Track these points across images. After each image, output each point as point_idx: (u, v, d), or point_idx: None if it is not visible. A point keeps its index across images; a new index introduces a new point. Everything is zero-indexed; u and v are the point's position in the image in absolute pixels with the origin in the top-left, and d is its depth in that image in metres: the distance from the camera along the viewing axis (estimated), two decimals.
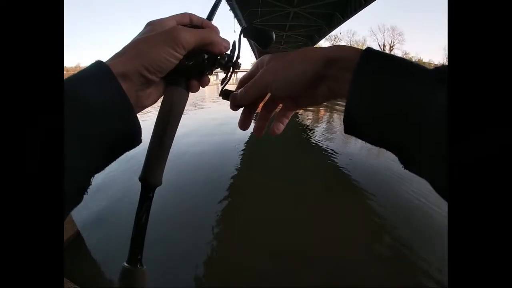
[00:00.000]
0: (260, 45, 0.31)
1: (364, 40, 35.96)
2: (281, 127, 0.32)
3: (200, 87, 0.30)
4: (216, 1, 0.34)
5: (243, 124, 0.32)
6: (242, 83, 0.30)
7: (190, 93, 0.30)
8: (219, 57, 0.29)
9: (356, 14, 13.96)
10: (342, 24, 16.81)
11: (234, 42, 0.30)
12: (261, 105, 0.32)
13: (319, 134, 5.68)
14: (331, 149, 4.45)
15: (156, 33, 0.25)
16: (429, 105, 0.18)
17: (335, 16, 16.02)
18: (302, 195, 2.84)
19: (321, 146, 4.68)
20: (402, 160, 0.22)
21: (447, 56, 0.19)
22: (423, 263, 1.80)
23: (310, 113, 8.73)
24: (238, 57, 0.31)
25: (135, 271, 0.26)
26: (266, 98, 0.31)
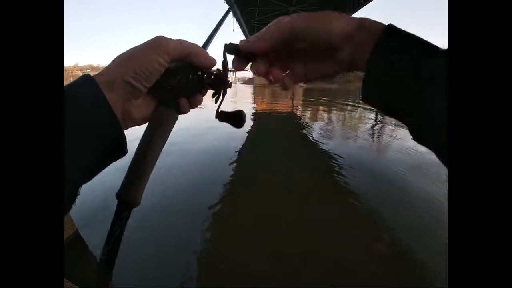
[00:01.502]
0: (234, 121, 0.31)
1: None
2: (293, 85, 0.29)
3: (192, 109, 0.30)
4: (211, 33, 0.34)
5: (263, 73, 0.28)
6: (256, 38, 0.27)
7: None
8: (205, 76, 0.29)
9: (355, 13, 13.98)
10: None
11: (223, 61, 0.29)
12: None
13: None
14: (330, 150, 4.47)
15: (143, 43, 0.25)
16: (440, 83, 0.19)
17: None
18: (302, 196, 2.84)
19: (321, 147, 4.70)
20: (411, 131, 0.23)
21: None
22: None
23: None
24: (227, 75, 0.29)
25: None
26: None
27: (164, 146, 0.28)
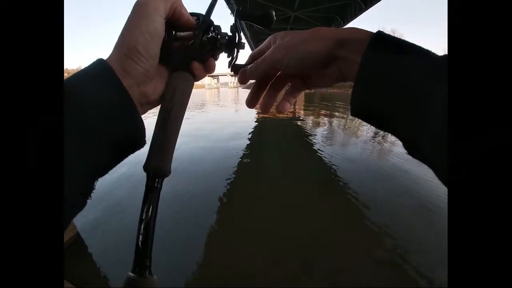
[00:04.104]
0: (261, 25, 0.30)
1: None
2: (288, 105, 0.32)
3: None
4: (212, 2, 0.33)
5: (251, 102, 0.32)
6: (252, 58, 0.30)
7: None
8: (219, 37, 0.28)
9: (356, 18, 14.04)
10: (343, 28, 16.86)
11: (232, 26, 0.29)
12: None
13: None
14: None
15: (128, 16, 0.25)
16: (433, 96, 0.18)
17: (336, 20, 16.12)
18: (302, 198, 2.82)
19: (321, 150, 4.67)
20: (406, 146, 0.22)
21: (447, 55, 0.19)
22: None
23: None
24: (240, 37, 0.29)
25: (144, 282, 0.22)
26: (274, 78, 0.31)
27: None
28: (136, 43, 0.23)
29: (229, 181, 3.19)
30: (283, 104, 0.31)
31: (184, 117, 0.27)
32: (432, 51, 0.21)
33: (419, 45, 0.22)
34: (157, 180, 0.24)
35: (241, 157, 4.09)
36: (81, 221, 2.21)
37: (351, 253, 1.90)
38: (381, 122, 0.23)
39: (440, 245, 1.91)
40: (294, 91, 0.32)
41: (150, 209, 0.23)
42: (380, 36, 0.22)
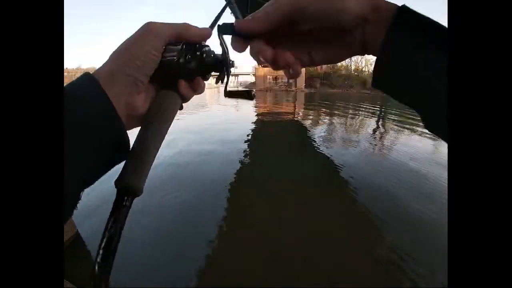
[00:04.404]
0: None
1: None
2: (300, 71, 0.26)
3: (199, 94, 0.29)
4: (218, 13, 0.32)
5: (268, 58, 0.24)
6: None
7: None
8: (205, 55, 0.27)
9: None
10: None
11: (220, 42, 0.27)
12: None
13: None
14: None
15: (133, 33, 0.25)
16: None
17: None
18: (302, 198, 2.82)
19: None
20: (424, 120, 0.22)
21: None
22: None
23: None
24: (227, 54, 0.27)
25: None
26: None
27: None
28: (130, 59, 0.24)
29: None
30: (297, 70, 0.25)
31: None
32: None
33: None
34: (126, 198, 0.22)
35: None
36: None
37: None
38: (400, 95, 0.23)
39: None
40: (297, 65, 0.26)
41: (114, 228, 0.21)
42: (406, 9, 0.21)
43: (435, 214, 2.38)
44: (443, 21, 0.20)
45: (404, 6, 0.22)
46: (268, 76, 27.53)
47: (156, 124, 0.25)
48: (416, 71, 0.21)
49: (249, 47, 0.25)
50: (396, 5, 0.22)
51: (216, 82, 0.30)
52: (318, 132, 6.06)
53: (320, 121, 7.80)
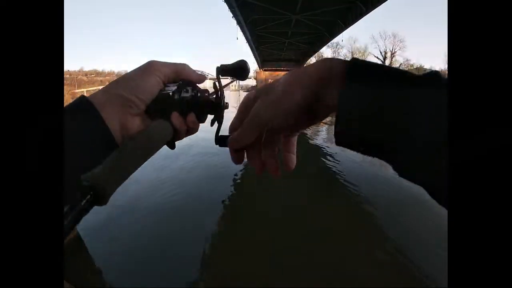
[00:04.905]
0: (238, 78, 0.32)
1: (366, 47, 35.98)
2: (293, 158, 0.29)
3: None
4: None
5: (259, 169, 0.29)
6: (233, 128, 0.29)
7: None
8: (199, 94, 0.30)
9: (358, 21, 14.09)
10: (344, 31, 16.99)
11: (214, 83, 0.30)
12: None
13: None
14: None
15: (137, 68, 0.28)
16: (419, 113, 0.18)
17: (337, 23, 16.19)
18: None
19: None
20: (396, 168, 0.21)
21: (447, 57, 0.19)
22: None
23: None
24: (222, 96, 0.31)
25: None
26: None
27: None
28: (139, 87, 0.27)
29: None
30: (289, 159, 0.29)
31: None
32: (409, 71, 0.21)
33: (394, 67, 0.21)
34: (88, 197, 0.19)
35: None
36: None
37: None
38: (367, 148, 0.22)
39: None
40: (291, 140, 0.29)
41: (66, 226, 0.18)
42: (356, 64, 0.22)
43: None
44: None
45: (353, 61, 0.22)
46: (269, 80, 27.66)
47: (142, 141, 0.25)
48: (380, 117, 0.20)
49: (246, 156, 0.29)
50: (346, 62, 0.22)
51: (211, 125, 0.32)
52: (318, 131, 6.06)
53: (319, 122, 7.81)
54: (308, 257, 1.91)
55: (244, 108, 0.28)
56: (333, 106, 0.24)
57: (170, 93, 0.29)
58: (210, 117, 0.32)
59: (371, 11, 12.44)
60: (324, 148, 4.93)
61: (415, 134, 0.18)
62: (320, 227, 2.30)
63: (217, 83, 0.30)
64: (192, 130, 0.30)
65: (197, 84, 0.31)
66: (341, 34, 18.05)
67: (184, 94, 0.29)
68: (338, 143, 0.23)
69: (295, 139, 0.30)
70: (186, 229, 2.28)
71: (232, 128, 0.29)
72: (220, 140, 0.30)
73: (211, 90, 0.32)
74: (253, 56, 27.49)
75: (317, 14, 14.71)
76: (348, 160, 4.18)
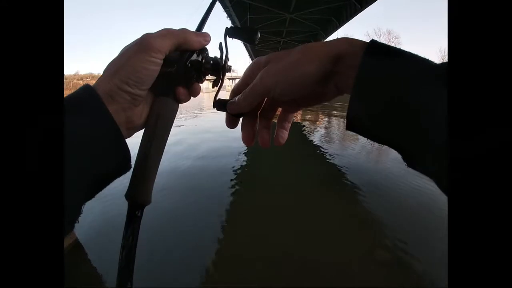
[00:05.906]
0: (247, 42, 0.29)
1: None
2: (285, 134, 0.29)
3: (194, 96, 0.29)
4: (205, 14, 0.32)
5: (248, 139, 0.29)
6: (234, 93, 0.28)
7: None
8: (203, 61, 0.27)
9: (352, 19, 14.11)
10: (338, 29, 17.00)
11: (220, 44, 0.28)
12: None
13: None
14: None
15: (129, 46, 0.25)
16: (433, 104, 0.18)
17: (331, 22, 16.20)
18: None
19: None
20: (405, 158, 0.21)
21: (446, 57, 0.18)
22: None
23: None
24: (226, 58, 0.29)
25: None
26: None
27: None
28: (130, 77, 0.23)
29: None
30: (281, 134, 0.29)
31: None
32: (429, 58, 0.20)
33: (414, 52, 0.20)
34: (137, 210, 0.25)
35: None
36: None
37: None
38: (378, 135, 0.22)
39: None
40: (287, 115, 0.29)
41: (131, 237, 0.25)
42: (375, 45, 0.21)
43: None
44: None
45: (372, 41, 0.21)
46: None
47: (156, 137, 0.26)
48: (394, 106, 0.19)
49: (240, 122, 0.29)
50: (364, 42, 0.22)
51: (213, 86, 0.30)
52: (317, 131, 6.07)
53: (318, 121, 7.81)
54: (308, 257, 1.91)
55: (251, 72, 0.27)
56: (342, 89, 0.24)
57: (173, 71, 0.26)
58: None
59: (365, 8, 12.44)
60: (324, 148, 4.94)
61: (428, 129, 0.18)
62: (320, 227, 2.31)
63: (223, 44, 0.28)
64: (194, 96, 0.29)
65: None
66: (335, 32, 18.06)
67: (189, 68, 0.27)
68: (348, 128, 0.23)
69: (291, 117, 0.30)
70: (186, 231, 2.27)
71: (234, 92, 0.28)
72: (218, 104, 0.29)
73: (210, 86, 0.31)
74: (248, 56, 27.42)
75: (312, 12, 14.72)
76: (349, 158, 4.20)
